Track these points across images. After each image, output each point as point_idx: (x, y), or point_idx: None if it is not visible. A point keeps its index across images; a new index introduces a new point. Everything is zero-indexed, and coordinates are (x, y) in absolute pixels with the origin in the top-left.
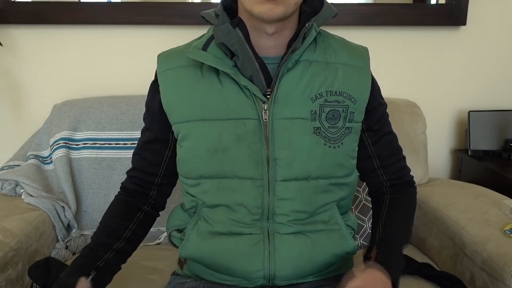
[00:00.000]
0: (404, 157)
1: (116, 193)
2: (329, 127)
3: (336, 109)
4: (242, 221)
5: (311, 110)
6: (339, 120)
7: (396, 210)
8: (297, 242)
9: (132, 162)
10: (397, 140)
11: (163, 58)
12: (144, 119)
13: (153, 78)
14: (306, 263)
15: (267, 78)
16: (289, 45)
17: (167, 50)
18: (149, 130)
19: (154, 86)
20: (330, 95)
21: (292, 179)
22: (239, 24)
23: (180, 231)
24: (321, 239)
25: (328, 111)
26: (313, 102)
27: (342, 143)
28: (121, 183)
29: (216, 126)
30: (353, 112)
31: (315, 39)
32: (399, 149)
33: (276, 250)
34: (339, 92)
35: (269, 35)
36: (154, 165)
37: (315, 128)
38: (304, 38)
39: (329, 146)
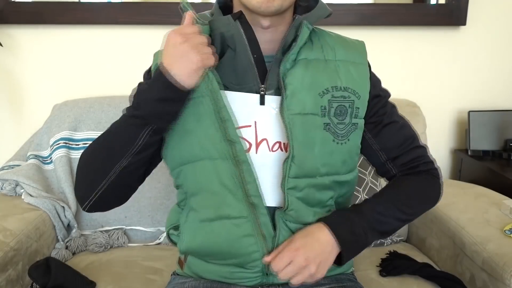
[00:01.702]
0: (421, 146)
1: None
2: (337, 123)
3: (343, 105)
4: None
5: (321, 106)
6: (347, 116)
7: (391, 185)
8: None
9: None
10: (409, 128)
11: (159, 57)
12: (130, 101)
13: None
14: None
15: (262, 73)
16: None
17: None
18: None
19: (147, 76)
20: (336, 91)
21: (302, 176)
22: (240, 17)
23: (176, 228)
24: None
25: (336, 107)
26: (321, 98)
27: (348, 139)
28: None
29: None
30: (359, 108)
31: (311, 38)
32: (411, 138)
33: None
34: (344, 87)
35: (264, 28)
36: None
37: (325, 124)
38: (296, 35)
39: (337, 143)
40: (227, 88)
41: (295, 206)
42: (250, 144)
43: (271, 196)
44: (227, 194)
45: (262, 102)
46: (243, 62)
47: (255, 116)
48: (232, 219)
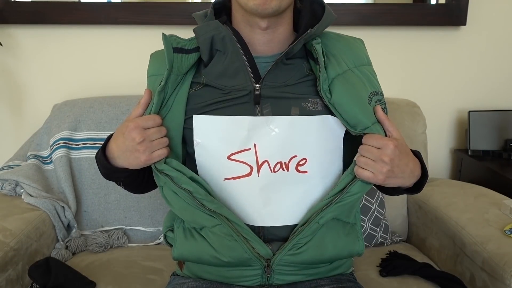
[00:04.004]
0: None
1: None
2: None
3: (382, 107)
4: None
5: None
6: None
7: None
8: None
9: None
10: None
11: (153, 59)
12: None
13: None
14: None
15: (255, 73)
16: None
17: (160, 51)
18: None
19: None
20: (374, 96)
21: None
22: (226, 22)
23: (173, 231)
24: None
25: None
26: (370, 105)
27: None
28: None
29: None
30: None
31: (329, 50)
32: None
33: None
34: (375, 92)
35: (262, 30)
36: None
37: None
38: (305, 46)
39: None
40: (220, 90)
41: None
42: (252, 168)
43: (281, 216)
44: (194, 210)
45: (257, 101)
46: (235, 63)
47: (254, 138)
48: (209, 228)
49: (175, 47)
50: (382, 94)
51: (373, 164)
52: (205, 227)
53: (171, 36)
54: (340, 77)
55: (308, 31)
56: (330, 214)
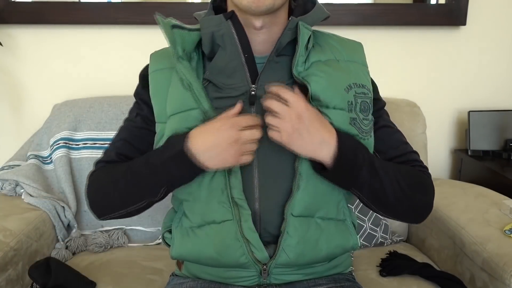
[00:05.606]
0: (415, 152)
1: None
2: (363, 118)
3: (366, 101)
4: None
5: (348, 101)
6: (369, 112)
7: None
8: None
9: (116, 147)
10: (401, 135)
11: (155, 57)
12: (132, 110)
13: None
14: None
15: (252, 74)
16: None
17: (160, 50)
18: (140, 116)
19: (143, 81)
20: (357, 87)
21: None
22: (232, 17)
23: (171, 232)
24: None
25: (361, 102)
26: (347, 93)
27: (370, 136)
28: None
29: None
30: (373, 105)
31: (317, 41)
32: (405, 144)
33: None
34: (361, 84)
35: (256, 29)
36: (140, 152)
37: (351, 119)
38: (295, 37)
39: (361, 138)
40: (218, 87)
41: (308, 191)
42: None
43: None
44: (212, 200)
45: (252, 102)
46: (233, 62)
47: None
48: (217, 223)
49: (172, 25)
50: (369, 90)
51: (279, 122)
52: (209, 223)
53: (168, 19)
54: (321, 62)
55: (290, 18)
56: (299, 204)
